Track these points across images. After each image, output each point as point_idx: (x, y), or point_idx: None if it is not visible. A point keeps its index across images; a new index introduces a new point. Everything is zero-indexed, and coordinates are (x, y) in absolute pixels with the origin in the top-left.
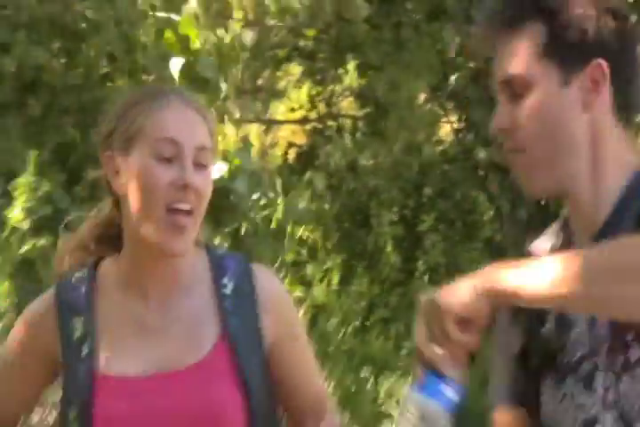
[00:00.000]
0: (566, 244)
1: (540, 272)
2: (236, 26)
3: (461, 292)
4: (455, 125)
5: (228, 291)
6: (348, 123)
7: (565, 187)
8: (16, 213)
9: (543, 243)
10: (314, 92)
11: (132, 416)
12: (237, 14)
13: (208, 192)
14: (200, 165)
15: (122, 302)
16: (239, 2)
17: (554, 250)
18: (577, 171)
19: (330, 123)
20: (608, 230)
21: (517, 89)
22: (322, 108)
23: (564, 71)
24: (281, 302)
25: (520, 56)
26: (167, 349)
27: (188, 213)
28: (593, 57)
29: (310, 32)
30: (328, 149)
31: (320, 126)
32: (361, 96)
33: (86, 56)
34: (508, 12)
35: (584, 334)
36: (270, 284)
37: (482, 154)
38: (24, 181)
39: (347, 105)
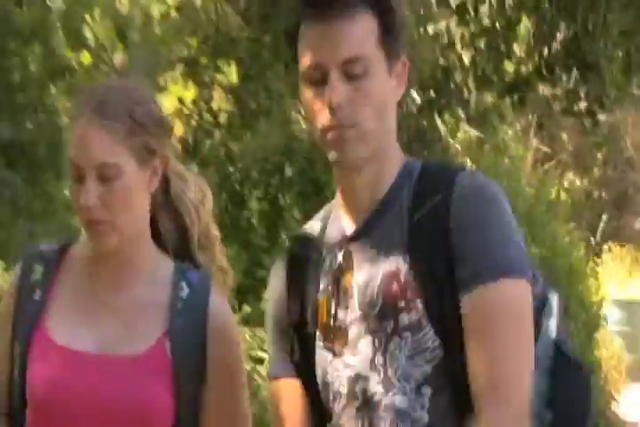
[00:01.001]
0: (335, 224)
1: None
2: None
3: None
4: None
5: (183, 294)
6: (224, 118)
7: (374, 160)
8: None
9: (310, 227)
10: (194, 92)
11: (57, 382)
12: None
13: (118, 203)
14: (104, 180)
15: (78, 279)
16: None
17: (323, 232)
18: (390, 148)
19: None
20: (378, 216)
21: (356, 70)
22: (202, 105)
23: (388, 62)
24: (229, 337)
25: (363, 40)
26: (109, 331)
27: (103, 223)
28: (402, 54)
29: (193, 41)
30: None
31: (200, 121)
32: (238, 97)
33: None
34: (337, 2)
35: (354, 301)
36: (224, 311)
37: None
38: None
39: (223, 103)
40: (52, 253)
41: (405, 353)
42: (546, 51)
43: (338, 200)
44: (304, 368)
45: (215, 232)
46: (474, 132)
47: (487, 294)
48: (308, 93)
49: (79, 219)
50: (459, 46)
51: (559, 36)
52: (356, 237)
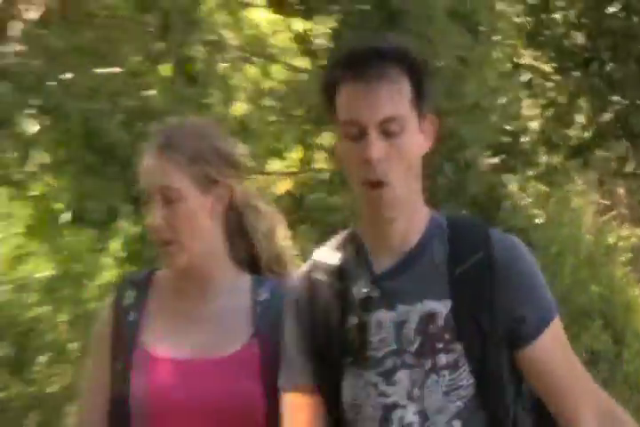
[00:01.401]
0: (360, 258)
1: None
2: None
3: None
4: None
5: (261, 298)
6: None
7: (403, 210)
8: None
9: (329, 254)
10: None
11: (162, 391)
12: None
13: (181, 224)
14: (167, 202)
15: (167, 298)
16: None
17: (347, 262)
18: (419, 200)
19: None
20: (414, 261)
21: (393, 128)
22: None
23: (419, 120)
24: None
25: (399, 101)
26: (202, 339)
27: (171, 243)
28: (429, 112)
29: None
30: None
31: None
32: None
33: None
34: (376, 63)
35: (390, 335)
36: None
37: None
38: None
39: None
40: (142, 278)
41: (442, 389)
42: (601, 120)
43: (366, 238)
44: (326, 388)
45: (288, 258)
46: (542, 187)
47: (544, 341)
48: (345, 147)
49: (154, 241)
50: (527, 114)
51: (611, 109)
52: (387, 277)
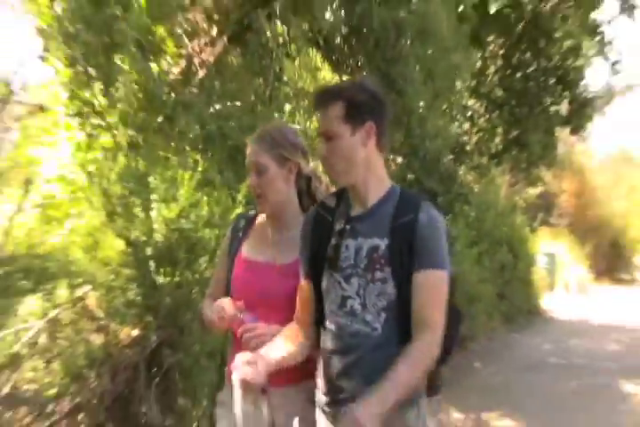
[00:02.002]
0: (345, 207)
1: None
2: None
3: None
4: None
5: None
6: None
7: (351, 183)
8: None
9: (330, 199)
10: None
11: (243, 278)
12: None
13: (267, 186)
14: (258, 173)
15: (260, 229)
16: None
17: (337, 206)
18: (358, 176)
19: None
20: (372, 212)
21: (329, 135)
22: None
23: (352, 128)
24: None
25: (330, 119)
26: (274, 252)
27: (260, 197)
28: (367, 120)
29: None
30: None
31: None
32: None
33: None
34: (322, 96)
35: (351, 255)
36: None
37: None
38: None
39: None
40: (250, 215)
41: (375, 292)
42: None
43: (349, 194)
44: (315, 280)
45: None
46: (476, 174)
47: (426, 276)
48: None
49: (253, 195)
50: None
51: (514, 132)
52: (357, 219)
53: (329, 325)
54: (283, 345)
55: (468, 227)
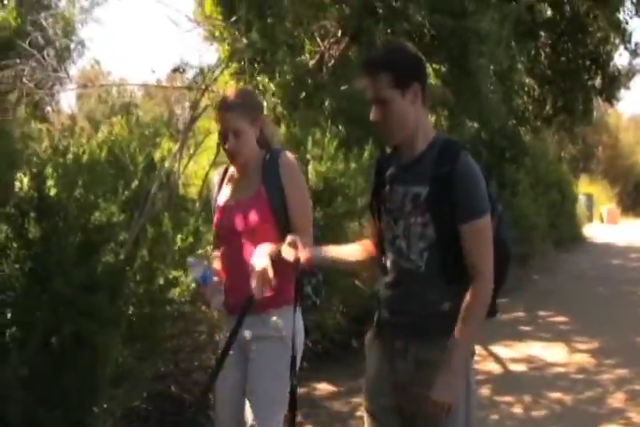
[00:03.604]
0: (398, 156)
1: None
2: None
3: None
4: None
5: (266, 159)
6: None
7: (401, 140)
8: None
9: (389, 150)
10: None
11: (217, 220)
12: None
13: (241, 144)
14: (236, 135)
15: (232, 177)
16: None
17: (392, 155)
18: (408, 131)
19: None
20: (416, 162)
21: (381, 100)
22: None
23: (402, 92)
24: (291, 171)
25: (381, 86)
26: (240, 192)
27: (234, 153)
28: (412, 82)
29: None
30: None
31: None
32: None
33: None
34: (371, 64)
35: (399, 200)
36: (287, 160)
37: None
38: None
39: None
40: (222, 171)
41: (417, 235)
42: None
43: (400, 144)
44: (376, 215)
45: (278, 143)
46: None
47: (469, 227)
48: None
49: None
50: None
51: (560, 102)
52: (404, 167)
53: (385, 259)
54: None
55: (527, 174)
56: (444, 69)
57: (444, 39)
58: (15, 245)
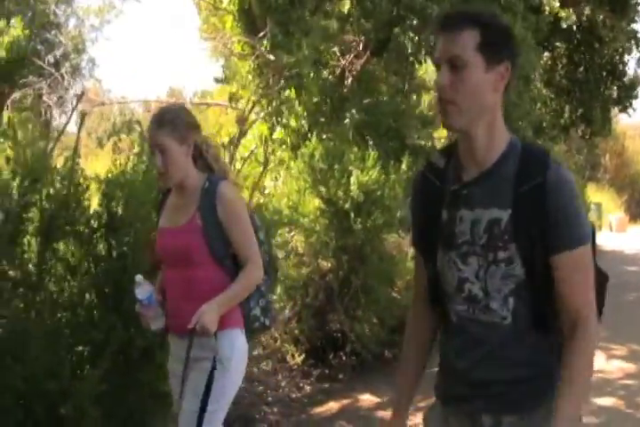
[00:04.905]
0: (456, 168)
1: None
2: None
3: None
4: None
5: (205, 186)
6: None
7: (470, 131)
8: None
9: (439, 158)
10: None
11: (158, 245)
12: None
13: (169, 165)
14: (161, 152)
15: (171, 199)
16: None
17: (448, 168)
18: (480, 125)
19: None
20: (490, 175)
21: (458, 63)
22: None
23: (487, 63)
24: (229, 202)
25: (463, 45)
26: (178, 217)
27: (162, 174)
28: (504, 59)
29: None
30: None
31: None
32: None
33: None
34: (455, 17)
35: (467, 229)
36: (226, 190)
37: None
38: None
39: None
40: (165, 191)
41: (499, 275)
42: None
43: (460, 150)
44: (428, 254)
45: (223, 166)
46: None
47: (571, 257)
48: (435, 75)
49: (161, 178)
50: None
51: (578, 112)
52: (472, 184)
53: (447, 311)
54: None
55: None
56: None
57: None
58: (85, 262)
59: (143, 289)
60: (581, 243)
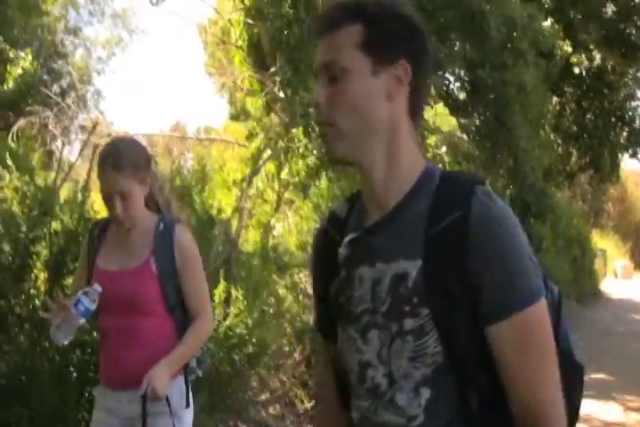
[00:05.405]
0: (359, 214)
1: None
2: None
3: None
4: None
5: (159, 229)
6: None
7: (360, 160)
8: None
9: (341, 207)
10: None
11: (106, 290)
12: None
13: (125, 204)
14: (123, 198)
15: (114, 236)
16: None
17: (350, 216)
18: (373, 150)
19: None
20: (395, 217)
21: (334, 71)
22: None
23: (375, 65)
24: (186, 248)
25: (339, 46)
26: (124, 258)
27: (122, 216)
28: (400, 57)
29: None
30: None
31: None
32: None
33: None
34: (330, 16)
35: (367, 292)
36: (182, 235)
37: None
38: None
39: None
40: (103, 222)
41: (407, 354)
42: None
43: (362, 189)
44: (331, 333)
45: (172, 203)
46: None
47: (512, 326)
48: None
49: (115, 217)
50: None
51: (586, 157)
52: (372, 230)
53: (351, 409)
54: None
55: (551, 229)
56: (478, 123)
57: (482, 93)
58: None
59: (90, 299)
60: (525, 305)
